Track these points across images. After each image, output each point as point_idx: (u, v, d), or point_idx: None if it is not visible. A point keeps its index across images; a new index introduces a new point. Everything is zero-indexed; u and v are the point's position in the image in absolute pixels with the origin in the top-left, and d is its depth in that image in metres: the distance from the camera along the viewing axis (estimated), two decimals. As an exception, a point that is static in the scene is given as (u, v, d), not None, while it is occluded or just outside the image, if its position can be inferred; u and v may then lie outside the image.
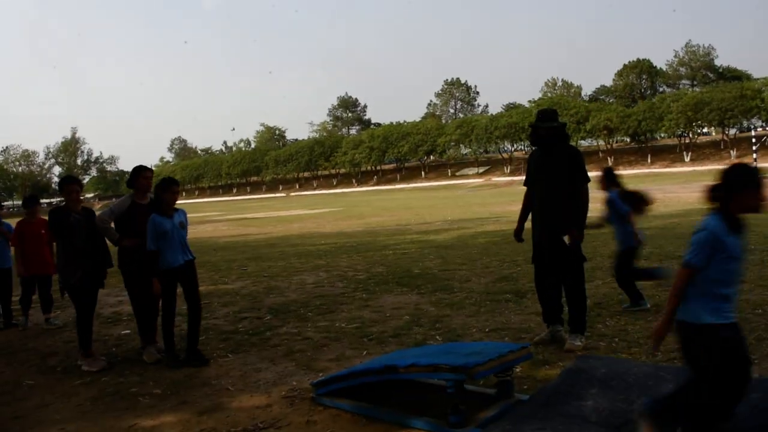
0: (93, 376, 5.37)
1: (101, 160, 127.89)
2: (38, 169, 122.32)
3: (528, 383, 4.36)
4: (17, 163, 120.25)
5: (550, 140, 5.35)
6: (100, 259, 5.90)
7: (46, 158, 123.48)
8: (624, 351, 4.96)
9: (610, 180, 6.47)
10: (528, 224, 5.56)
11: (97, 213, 6.00)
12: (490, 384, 4.12)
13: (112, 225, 5.86)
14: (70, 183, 6.02)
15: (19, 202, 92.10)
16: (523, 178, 5.75)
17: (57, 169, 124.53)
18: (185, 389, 4.85)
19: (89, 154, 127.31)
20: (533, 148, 5.68)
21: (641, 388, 3.59)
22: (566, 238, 5.20)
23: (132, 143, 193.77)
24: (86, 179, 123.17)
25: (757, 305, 6.08)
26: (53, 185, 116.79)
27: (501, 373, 3.92)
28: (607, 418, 3.26)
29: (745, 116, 66.43)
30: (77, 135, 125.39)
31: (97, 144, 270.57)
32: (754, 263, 8.31)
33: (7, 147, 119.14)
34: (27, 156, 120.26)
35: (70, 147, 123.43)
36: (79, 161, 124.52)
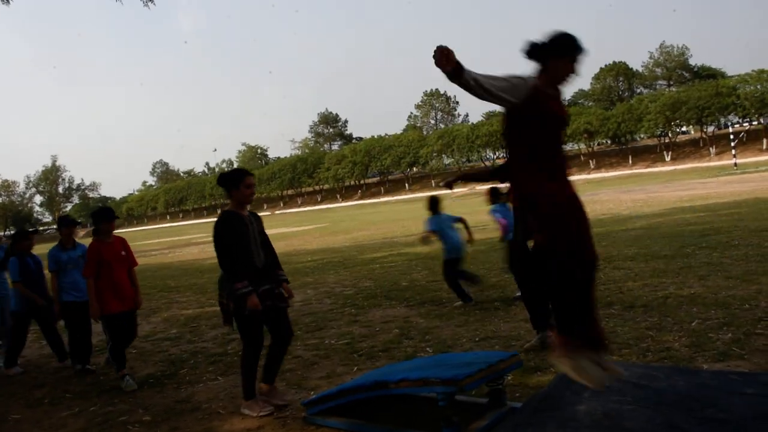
0: (81, 407, 5.28)
1: (83, 187, 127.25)
2: (19, 199, 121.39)
3: (520, 390, 4.35)
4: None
5: None
6: (274, 274, 4.74)
7: (26, 188, 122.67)
8: (615, 353, 4.95)
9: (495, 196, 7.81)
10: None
11: None
12: (483, 393, 4.10)
13: None
14: (247, 174, 4.68)
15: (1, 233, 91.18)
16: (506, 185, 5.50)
17: (38, 198, 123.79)
18: (176, 415, 4.78)
19: (71, 181, 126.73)
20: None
21: (634, 389, 3.58)
22: None
23: (114, 168, 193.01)
24: (68, 207, 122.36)
25: (744, 300, 6.10)
26: (35, 214, 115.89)
27: (492, 382, 3.90)
28: (601, 421, 3.25)
29: (722, 113, 67.35)
30: (57, 163, 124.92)
31: (78, 171, 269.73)
32: (738, 258, 8.36)
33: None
34: (7, 186, 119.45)
35: (51, 175, 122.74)
36: (60, 189, 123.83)
